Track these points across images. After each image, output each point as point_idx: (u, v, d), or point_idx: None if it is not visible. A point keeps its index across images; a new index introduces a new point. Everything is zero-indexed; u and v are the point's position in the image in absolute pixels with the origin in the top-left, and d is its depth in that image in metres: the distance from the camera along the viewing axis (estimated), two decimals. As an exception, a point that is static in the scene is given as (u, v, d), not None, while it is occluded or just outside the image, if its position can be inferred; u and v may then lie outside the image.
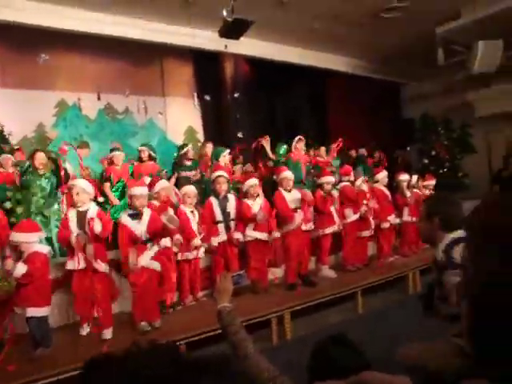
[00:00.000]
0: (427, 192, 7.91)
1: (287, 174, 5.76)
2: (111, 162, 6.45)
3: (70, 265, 4.19)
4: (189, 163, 6.88)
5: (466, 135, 11.42)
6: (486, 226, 0.80)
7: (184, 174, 6.76)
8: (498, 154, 11.01)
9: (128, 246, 4.33)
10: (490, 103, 9.96)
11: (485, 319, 0.72)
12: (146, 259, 4.38)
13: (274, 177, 6.41)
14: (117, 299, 4.60)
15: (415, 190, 7.61)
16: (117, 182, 6.40)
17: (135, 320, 4.35)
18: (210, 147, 7.33)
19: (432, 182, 8.20)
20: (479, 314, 0.74)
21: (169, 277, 4.73)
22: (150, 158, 6.76)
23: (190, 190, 5.40)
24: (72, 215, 4.24)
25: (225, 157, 6.82)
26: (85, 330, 4.32)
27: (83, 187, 4.34)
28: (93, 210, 4.29)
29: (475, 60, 8.09)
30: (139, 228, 4.38)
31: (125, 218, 4.44)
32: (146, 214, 4.48)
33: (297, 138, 7.30)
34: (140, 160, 6.75)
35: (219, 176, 5.53)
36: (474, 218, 0.85)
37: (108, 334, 4.19)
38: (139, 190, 4.51)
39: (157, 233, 4.47)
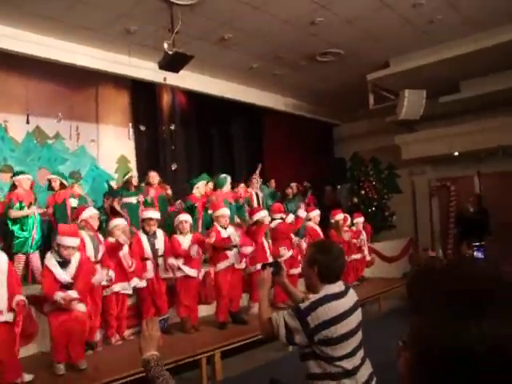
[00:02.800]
0: (355, 229, 8.21)
1: (224, 211, 5.74)
2: (15, 186, 5.89)
3: None
4: (131, 191, 6.89)
5: (392, 176, 12.04)
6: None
7: (127, 200, 6.65)
8: (421, 195, 11.66)
9: (53, 289, 4.03)
10: (415, 147, 10.56)
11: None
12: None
13: (209, 211, 6.38)
14: (35, 337, 4.28)
15: (346, 229, 7.85)
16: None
17: (53, 360, 4.06)
18: (154, 176, 7.34)
19: (360, 220, 8.51)
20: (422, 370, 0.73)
21: (95, 315, 4.51)
22: (62, 186, 6.49)
23: (120, 222, 5.23)
24: None
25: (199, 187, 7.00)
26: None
27: None
28: (2, 255, 3.90)
29: (402, 107, 8.59)
30: (65, 277, 4.11)
31: (51, 263, 4.12)
32: (75, 261, 4.22)
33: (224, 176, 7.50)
34: (51, 189, 6.46)
35: (149, 218, 5.41)
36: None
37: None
38: (70, 242, 4.15)
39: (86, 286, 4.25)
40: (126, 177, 7.12)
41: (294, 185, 9.49)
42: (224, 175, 7.78)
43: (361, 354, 2.34)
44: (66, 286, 4.12)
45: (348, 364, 2.21)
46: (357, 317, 2.35)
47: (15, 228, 5.66)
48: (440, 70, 8.24)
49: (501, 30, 7.24)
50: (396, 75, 8.59)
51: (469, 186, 10.59)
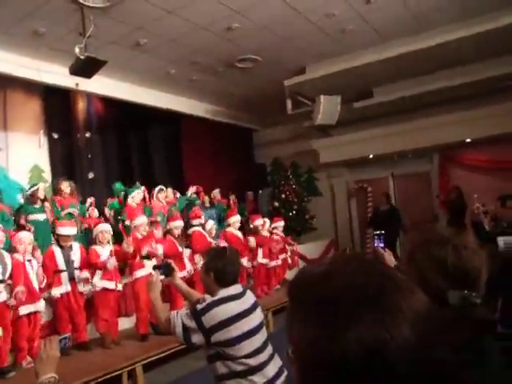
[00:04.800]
0: (276, 233, 8.33)
1: (142, 220, 5.60)
2: None
3: None
4: (37, 206, 6.33)
5: (312, 179, 12.37)
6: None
7: (33, 217, 6.20)
8: (340, 197, 12.09)
9: None
10: (331, 151, 10.92)
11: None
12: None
13: (127, 222, 6.16)
14: None
15: (265, 233, 7.93)
16: None
17: None
18: (66, 185, 6.93)
19: (280, 224, 8.65)
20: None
21: (5, 339, 4.20)
22: None
23: (25, 236, 4.89)
24: None
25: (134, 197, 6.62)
26: None
27: None
28: None
29: (318, 113, 8.86)
30: None
31: None
32: None
33: (158, 188, 7.29)
34: None
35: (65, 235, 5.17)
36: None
37: None
38: None
39: None
40: (32, 189, 6.49)
41: (216, 191, 9.47)
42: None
43: (269, 350, 2.43)
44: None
45: (253, 361, 2.26)
46: (257, 316, 2.45)
47: None
48: (354, 77, 8.60)
49: (407, 40, 7.69)
50: (312, 81, 8.84)
51: (384, 187, 11.09)
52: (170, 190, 8.23)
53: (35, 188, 6.43)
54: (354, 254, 0.86)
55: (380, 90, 9.54)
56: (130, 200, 6.74)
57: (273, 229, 8.35)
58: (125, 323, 5.61)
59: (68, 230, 5.26)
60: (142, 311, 5.35)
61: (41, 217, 6.29)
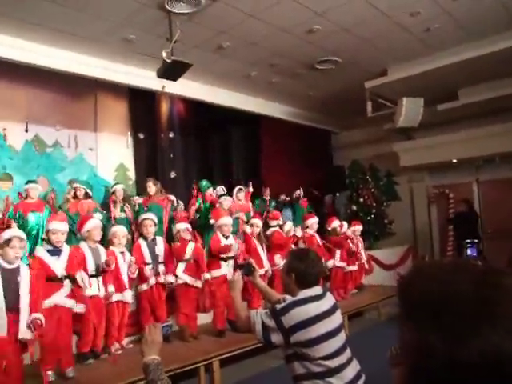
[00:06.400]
0: (354, 237, 8.19)
1: (226, 220, 5.73)
2: (26, 196, 5.92)
3: None
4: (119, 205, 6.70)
5: (391, 183, 12.05)
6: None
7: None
8: (420, 202, 11.67)
9: (42, 283, 4.02)
10: (413, 154, 10.57)
11: None
12: (61, 297, 4.12)
13: (211, 221, 6.33)
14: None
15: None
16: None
17: (41, 368, 3.96)
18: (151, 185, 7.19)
19: (359, 228, 8.51)
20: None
21: (87, 318, 4.47)
22: (87, 195, 6.55)
23: (120, 229, 5.21)
24: None
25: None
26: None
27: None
28: (24, 268, 3.83)
29: (400, 115, 8.62)
30: (57, 265, 4.14)
31: (42, 253, 4.18)
32: (66, 251, 4.28)
33: (237, 188, 7.43)
34: (75, 197, 6.55)
35: (146, 219, 5.39)
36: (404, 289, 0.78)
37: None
38: (56, 225, 4.28)
39: (75, 272, 4.26)
40: (111, 190, 6.95)
41: (298, 192, 9.51)
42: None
43: (347, 354, 2.40)
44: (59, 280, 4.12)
45: (332, 363, 2.25)
46: (337, 318, 2.43)
47: None
48: (438, 78, 8.27)
49: (498, 37, 7.27)
50: (394, 83, 8.61)
51: (467, 192, 10.58)
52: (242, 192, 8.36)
53: (112, 190, 6.86)
54: (462, 261, 0.82)
55: (466, 92, 9.09)
56: (217, 205, 6.92)
57: (351, 233, 8.22)
58: (202, 319, 5.77)
59: (149, 215, 5.55)
60: (219, 307, 5.46)
61: (122, 215, 6.63)
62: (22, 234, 3.89)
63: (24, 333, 3.55)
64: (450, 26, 7.17)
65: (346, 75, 8.98)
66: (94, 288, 4.60)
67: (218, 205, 7.00)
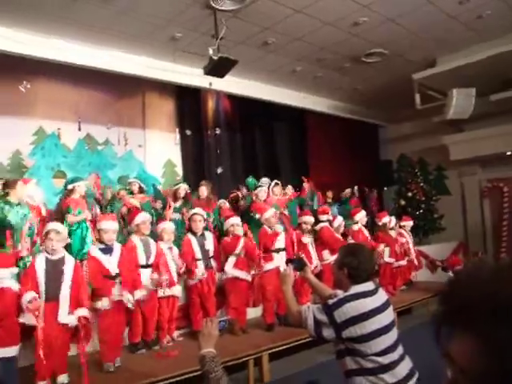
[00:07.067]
0: (404, 233, 8.03)
1: (272, 213, 5.75)
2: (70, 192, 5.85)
3: (23, 318, 3.65)
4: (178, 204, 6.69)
5: (441, 177, 11.72)
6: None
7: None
8: (471, 197, 11.30)
9: (98, 281, 4.23)
10: (463, 147, 10.23)
11: None
12: (116, 293, 4.25)
13: (258, 216, 6.36)
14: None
15: (392, 232, 7.69)
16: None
17: (102, 359, 4.16)
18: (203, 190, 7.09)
19: (409, 223, 8.34)
20: None
21: (135, 310, 4.60)
22: (141, 190, 6.72)
23: (169, 226, 5.32)
24: (40, 264, 3.85)
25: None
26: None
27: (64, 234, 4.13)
28: (69, 258, 4.07)
29: (450, 107, 8.36)
30: (110, 262, 4.28)
31: (95, 252, 4.33)
32: (117, 248, 4.41)
33: (273, 183, 7.41)
34: (130, 192, 6.76)
35: (195, 214, 5.48)
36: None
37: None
38: (107, 224, 4.40)
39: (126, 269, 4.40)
40: (174, 188, 6.86)
41: (348, 191, 9.43)
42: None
43: (399, 351, 2.36)
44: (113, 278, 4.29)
45: (384, 359, 2.22)
46: (389, 315, 2.39)
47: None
48: (491, 67, 7.95)
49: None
50: (443, 74, 8.36)
51: (523, 186, 10.17)
52: (290, 186, 8.35)
53: (177, 187, 6.84)
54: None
55: (522, 80, 8.71)
56: (253, 197, 6.94)
57: (400, 227, 8.07)
58: (251, 313, 5.81)
59: (198, 209, 5.61)
60: (269, 302, 5.49)
61: (176, 216, 6.60)
62: (60, 228, 4.09)
63: (64, 318, 3.78)
64: (502, 11, 6.88)
65: (393, 67, 8.80)
66: (144, 279, 4.72)
67: (254, 197, 7.03)
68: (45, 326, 3.63)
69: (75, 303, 3.88)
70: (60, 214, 5.45)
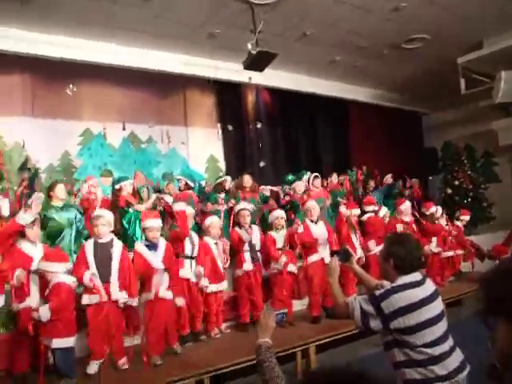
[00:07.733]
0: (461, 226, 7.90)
1: (312, 204, 5.74)
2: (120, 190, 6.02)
3: (86, 299, 4.00)
4: (222, 195, 6.84)
5: (489, 164, 11.31)
6: None
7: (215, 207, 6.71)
8: (523, 183, 10.88)
9: (143, 276, 4.36)
10: (514, 131, 9.86)
11: None
12: (162, 290, 4.36)
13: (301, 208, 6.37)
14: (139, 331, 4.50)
15: (438, 222, 7.51)
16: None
17: (149, 352, 4.24)
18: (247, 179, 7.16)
19: (466, 217, 8.19)
20: None
21: (185, 307, 4.70)
22: (188, 186, 6.83)
23: (215, 221, 5.40)
24: (89, 247, 4.16)
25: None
26: (92, 368, 3.98)
27: (108, 219, 4.33)
28: (117, 242, 4.31)
29: (498, 90, 8.05)
30: (155, 259, 4.38)
31: (141, 248, 4.44)
32: (162, 245, 4.51)
33: (313, 176, 7.37)
34: (178, 189, 6.89)
35: (243, 209, 5.54)
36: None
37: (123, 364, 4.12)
38: (151, 223, 4.48)
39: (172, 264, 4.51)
40: (219, 180, 7.04)
41: (389, 176, 9.26)
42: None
43: (449, 342, 2.31)
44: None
45: (433, 351, 2.19)
46: (438, 305, 2.34)
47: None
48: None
49: None
50: (490, 56, 8.07)
51: None
52: (334, 175, 8.30)
53: (223, 179, 7.03)
54: None
55: None
56: (291, 192, 6.96)
57: (456, 219, 7.94)
58: (297, 305, 5.83)
59: (244, 204, 5.73)
60: (316, 294, 5.48)
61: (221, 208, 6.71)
62: (104, 213, 4.38)
63: (116, 294, 4.07)
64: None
65: (435, 52, 8.55)
66: (187, 269, 4.83)
67: (291, 192, 7.06)
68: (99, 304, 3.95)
69: (123, 286, 4.13)
70: (115, 209, 5.60)
